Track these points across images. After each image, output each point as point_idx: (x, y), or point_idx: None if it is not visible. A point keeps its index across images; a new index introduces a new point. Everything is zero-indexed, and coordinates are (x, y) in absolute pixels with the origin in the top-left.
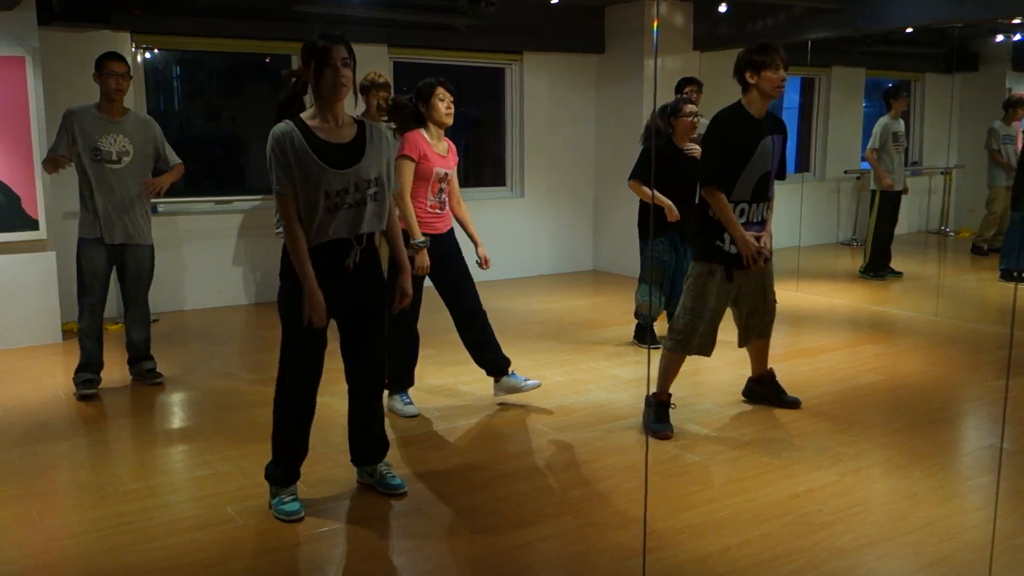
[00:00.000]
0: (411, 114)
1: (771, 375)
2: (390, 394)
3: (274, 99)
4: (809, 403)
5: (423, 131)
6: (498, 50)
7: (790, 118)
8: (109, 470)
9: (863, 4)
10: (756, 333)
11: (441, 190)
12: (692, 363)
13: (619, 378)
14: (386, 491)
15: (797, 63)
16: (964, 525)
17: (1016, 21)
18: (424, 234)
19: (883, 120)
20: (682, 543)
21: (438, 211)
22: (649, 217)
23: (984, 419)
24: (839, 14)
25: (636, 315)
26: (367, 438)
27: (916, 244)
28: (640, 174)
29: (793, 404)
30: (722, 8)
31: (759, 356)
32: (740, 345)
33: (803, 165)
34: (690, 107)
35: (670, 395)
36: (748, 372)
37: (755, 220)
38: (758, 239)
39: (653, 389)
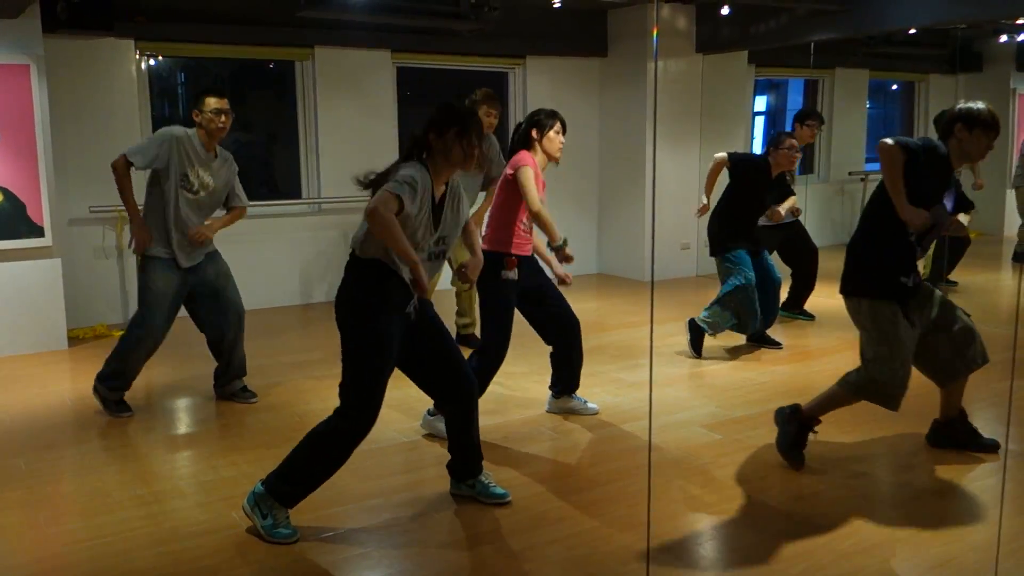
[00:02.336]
0: (521, 136)
1: (963, 417)
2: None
3: (278, 104)
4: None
5: (534, 155)
6: (501, 54)
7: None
8: (114, 476)
9: (866, 5)
10: (964, 368)
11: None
12: (697, 366)
13: (623, 381)
14: (490, 500)
15: (800, 65)
16: (969, 526)
17: (1020, 21)
18: (514, 255)
19: None
20: (686, 546)
21: (527, 234)
22: (724, 228)
23: (989, 420)
24: (842, 15)
25: (704, 328)
26: (472, 452)
27: None
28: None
29: (992, 447)
30: (724, 11)
31: (951, 395)
32: (942, 385)
33: (807, 167)
34: (790, 141)
35: (819, 421)
36: (752, 375)
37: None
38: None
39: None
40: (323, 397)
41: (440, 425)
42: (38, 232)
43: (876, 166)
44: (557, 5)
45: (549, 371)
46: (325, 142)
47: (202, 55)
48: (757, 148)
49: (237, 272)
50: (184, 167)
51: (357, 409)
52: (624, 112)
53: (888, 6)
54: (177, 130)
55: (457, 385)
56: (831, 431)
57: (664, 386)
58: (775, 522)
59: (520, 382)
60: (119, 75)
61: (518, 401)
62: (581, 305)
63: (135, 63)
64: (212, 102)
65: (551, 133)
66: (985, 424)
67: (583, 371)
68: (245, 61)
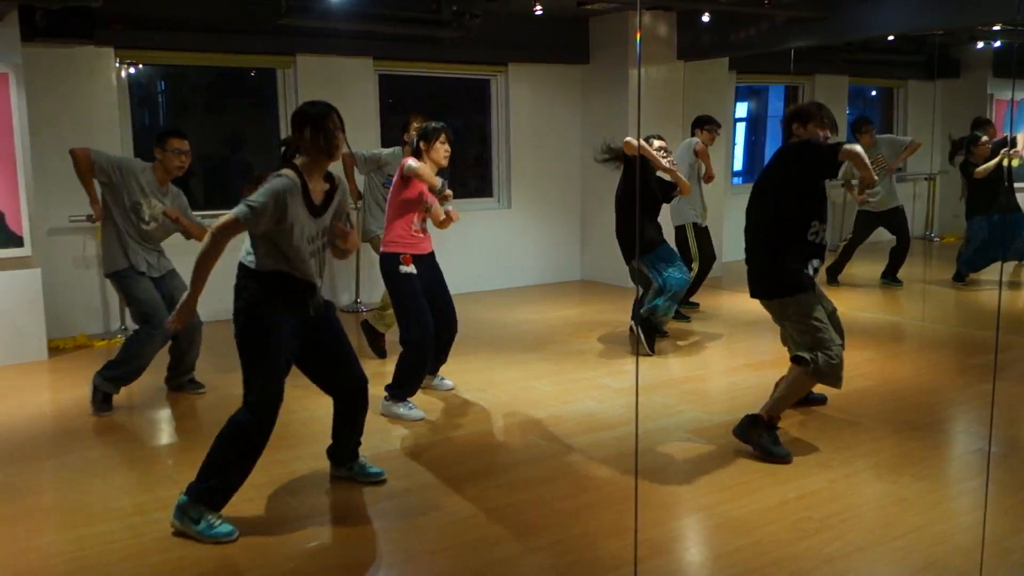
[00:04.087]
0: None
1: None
2: (394, 400)
3: (258, 113)
4: (798, 410)
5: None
6: (483, 61)
7: (775, 126)
8: (95, 488)
9: (845, 13)
10: None
11: (425, 219)
12: (681, 371)
13: (608, 387)
14: (367, 479)
15: (780, 71)
16: (954, 529)
17: (996, 28)
18: (408, 253)
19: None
20: (673, 552)
21: (421, 235)
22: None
23: (972, 423)
24: (821, 23)
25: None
26: (354, 441)
27: None
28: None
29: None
30: (705, 18)
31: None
32: None
33: None
34: (658, 142)
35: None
36: (736, 379)
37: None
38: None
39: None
40: (307, 407)
41: (398, 410)
42: (17, 242)
43: None
44: (539, 12)
45: (537, 378)
46: None
47: (183, 63)
48: (739, 153)
49: (214, 280)
50: (137, 196)
51: (258, 404)
52: (606, 119)
53: (867, 14)
54: (137, 163)
55: (348, 384)
56: (814, 436)
57: (649, 392)
58: (760, 527)
59: (506, 388)
60: (99, 83)
61: (504, 409)
62: (565, 312)
63: (115, 71)
64: (175, 143)
65: (436, 144)
66: (968, 426)
67: (572, 376)
68: (226, 69)
